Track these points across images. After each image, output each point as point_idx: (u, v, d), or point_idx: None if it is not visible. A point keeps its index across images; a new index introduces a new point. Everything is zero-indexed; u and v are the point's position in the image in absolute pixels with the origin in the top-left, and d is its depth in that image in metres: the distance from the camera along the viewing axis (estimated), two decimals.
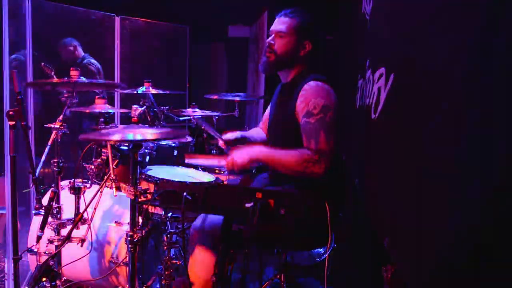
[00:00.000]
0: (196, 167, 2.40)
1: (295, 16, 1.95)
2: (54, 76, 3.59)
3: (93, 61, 4.07)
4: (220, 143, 2.28)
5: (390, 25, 1.71)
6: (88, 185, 2.15)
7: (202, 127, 2.45)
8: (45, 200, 1.96)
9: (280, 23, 1.96)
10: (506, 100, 0.78)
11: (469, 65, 0.93)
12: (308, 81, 1.88)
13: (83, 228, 1.98)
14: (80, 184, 2.10)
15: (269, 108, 2.27)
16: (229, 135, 2.25)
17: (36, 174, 1.85)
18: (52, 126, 1.97)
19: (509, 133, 0.76)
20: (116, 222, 2.21)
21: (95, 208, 1.92)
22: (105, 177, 1.91)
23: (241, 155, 1.84)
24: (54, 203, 1.96)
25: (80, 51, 4.11)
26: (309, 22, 1.96)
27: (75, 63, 4.02)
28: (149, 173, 2.07)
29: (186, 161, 2.30)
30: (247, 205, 1.40)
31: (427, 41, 1.22)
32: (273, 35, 1.97)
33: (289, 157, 1.79)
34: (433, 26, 1.19)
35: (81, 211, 1.95)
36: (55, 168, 2.01)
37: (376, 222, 1.70)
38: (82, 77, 2.05)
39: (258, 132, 2.34)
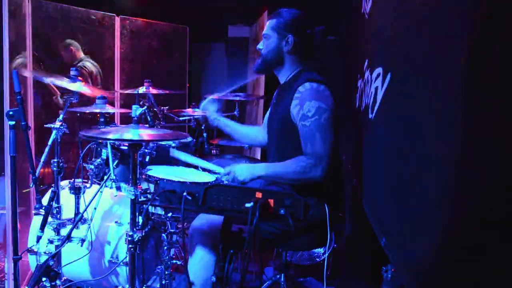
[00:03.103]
0: (196, 166, 2.40)
1: (276, 16, 1.99)
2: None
3: (87, 64, 4.06)
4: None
5: (387, 24, 1.71)
6: (88, 185, 2.16)
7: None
8: (45, 200, 1.96)
9: (265, 26, 2.03)
10: (504, 100, 0.78)
11: (465, 64, 0.93)
12: (303, 82, 1.88)
13: (83, 228, 1.99)
14: (80, 184, 2.10)
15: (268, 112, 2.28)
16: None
17: (36, 174, 1.85)
18: (52, 126, 1.97)
19: (507, 132, 0.76)
20: (116, 222, 2.21)
21: (95, 208, 1.93)
22: (105, 177, 1.91)
23: (242, 172, 1.86)
24: (54, 203, 1.96)
25: (79, 53, 4.11)
26: (289, 17, 1.97)
27: (72, 65, 4.03)
28: (149, 173, 2.07)
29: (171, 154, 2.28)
30: (247, 205, 1.40)
31: (424, 40, 1.22)
32: (262, 40, 2.04)
33: (287, 168, 1.83)
34: (430, 25, 1.19)
35: (81, 211, 1.95)
36: (55, 168, 2.01)
37: (375, 222, 1.70)
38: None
39: (255, 131, 2.34)
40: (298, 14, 1.98)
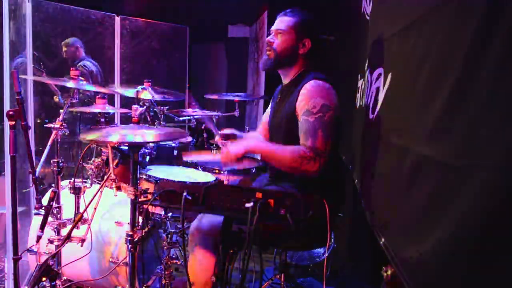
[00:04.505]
0: (196, 167, 2.40)
1: (294, 15, 1.97)
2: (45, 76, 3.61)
3: (88, 63, 4.07)
4: (217, 138, 2.26)
5: (387, 25, 1.71)
6: (88, 185, 2.15)
7: (203, 122, 2.40)
8: (45, 200, 1.96)
9: (280, 22, 1.99)
10: (502, 99, 0.78)
11: (465, 63, 0.93)
12: (309, 80, 1.88)
13: (83, 228, 1.98)
14: (80, 184, 2.10)
15: (268, 110, 2.27)
16: (226, 131, 2.23)
17: (36, 174, 1.85)
18: (52, 126, 1.97)
19: (505, 132, 0.76)
20: (116, 222, 2.21)
21: (95, 208, 1.93)
22: (105, 177, 1.91)
23: (236, 146, 1.82)
24: (54, 203, 1.96)
25: (81, 53, 4.12)
26: (309, 20, 1.98)
27: (73, 64, 4.04)
28: (149, 173, 2.07)
29: (184, 158, 2.32)
30: (247, 205, 1.40)
31: (423, 40, 1.23)
32: (273, 33, 1.99)
33: (284, 152, 1.80)
34: (428, 26, 1.19)
35: (81, 211, 1.95)
36: (55, 168, 2.01)
37: (374, 221, 1.70)
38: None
39: (256, 135, 2.33)
40: (314, 19, 1.98)
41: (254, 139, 1.94)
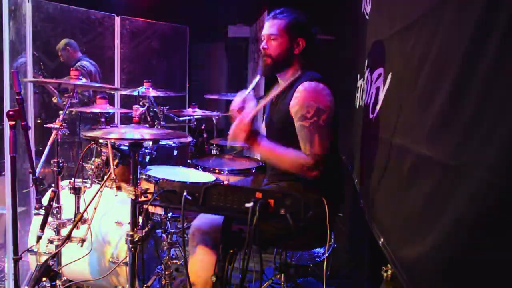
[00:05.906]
0: (196, 167, 2.40)
1: (284, 17, 1.95)
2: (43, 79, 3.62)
3: (85, 63, 4.06)
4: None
5: (387, 25, 1.71)
6: (88, 185, 2.16)
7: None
8: (45, 200, 1.96)
9: (270, 26, 1.96)
10: (500, 99, 0.78)
11: (464, 64, 0.93)
12: (303, 81, 1.87)
13: (83, 228, 1.99)
14: (80, 184, 2.10)
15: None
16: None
17: (36, 174, 1.85)
18: (52, 126, 1.97)
19: (503, 132, 0.76)
20: (116, 222, 2.21)
21: (95, 208, 1.93)
22: (105, 177, 1.91)
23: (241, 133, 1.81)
24: (54, 203, 1.96)
25: (76, 53, 4.11)
26: (299, 19, 1.96)
27: (71, 65, 4.04)
28: (149, 173, 2.08)
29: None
30: (247, 205, 1.40)
31: (423, 40, 1.23)
32: (265, 39, 1.98)
33: (287, 156, 1.83)
34: (428, 26, 1.19)
35: (81, 211, 1.95)
36: (55, 168, 2.01)
37: (373, 221, 1.70)
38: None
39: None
40: (305, 16, 1.97)
41: (264, 139, 1.92)
